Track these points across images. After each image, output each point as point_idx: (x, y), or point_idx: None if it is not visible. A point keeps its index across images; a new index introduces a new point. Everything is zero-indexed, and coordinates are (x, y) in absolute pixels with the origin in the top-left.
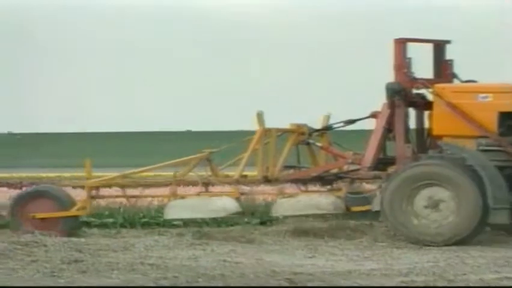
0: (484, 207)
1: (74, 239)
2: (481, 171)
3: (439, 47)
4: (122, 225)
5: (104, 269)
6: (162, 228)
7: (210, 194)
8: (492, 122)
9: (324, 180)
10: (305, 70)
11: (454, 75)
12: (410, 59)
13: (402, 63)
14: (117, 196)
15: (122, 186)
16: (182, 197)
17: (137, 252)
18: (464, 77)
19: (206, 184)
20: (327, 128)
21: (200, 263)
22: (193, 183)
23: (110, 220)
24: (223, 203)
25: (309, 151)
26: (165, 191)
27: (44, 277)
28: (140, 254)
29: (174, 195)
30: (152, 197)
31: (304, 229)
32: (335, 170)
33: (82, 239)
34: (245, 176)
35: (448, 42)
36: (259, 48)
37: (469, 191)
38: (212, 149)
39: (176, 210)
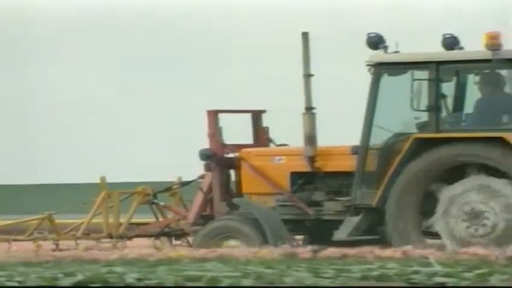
0: None
1: None
2: (264, 224)
3: (256, 116)
4: None
5: None
6: None
7: None
8: (285, 180)
9: (170, 234)
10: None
11: (270, 140)
12: (220, 127)
13: (215, 132)
14: None
15: None
16: None
17: None
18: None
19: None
20: (168, 190)
21: None
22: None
23: None
24: None
25: (157, 209)
26: None
27: None
28: None
29: None
30: None
31: None
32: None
33: None
34: (88, 234)
35: (264, 111)
36: None
37: (255, 242)
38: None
39: None
